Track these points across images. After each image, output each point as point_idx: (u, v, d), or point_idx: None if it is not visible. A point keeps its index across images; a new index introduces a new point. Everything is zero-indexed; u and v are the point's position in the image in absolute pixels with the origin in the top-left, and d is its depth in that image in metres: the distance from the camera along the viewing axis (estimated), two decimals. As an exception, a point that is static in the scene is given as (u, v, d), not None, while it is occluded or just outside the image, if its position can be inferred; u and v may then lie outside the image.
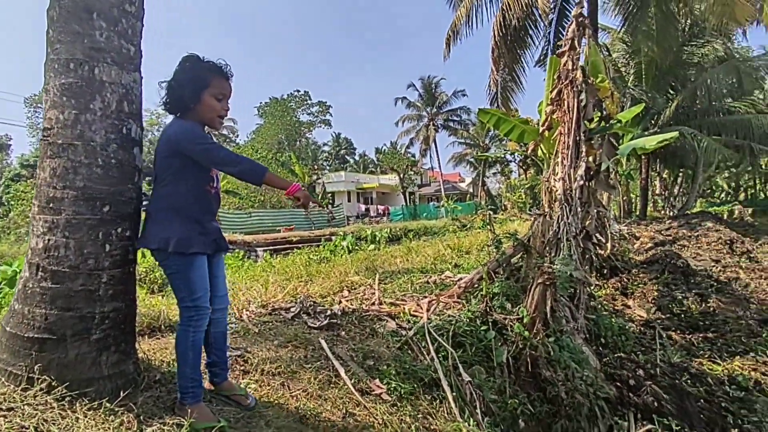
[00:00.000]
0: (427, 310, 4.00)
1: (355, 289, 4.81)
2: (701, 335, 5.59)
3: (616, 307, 6.15)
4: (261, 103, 42.24)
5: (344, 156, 60.51)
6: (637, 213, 17.10)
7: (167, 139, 1.94)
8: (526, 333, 3.76)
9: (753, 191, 30.58)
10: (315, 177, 35.49)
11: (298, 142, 41.64)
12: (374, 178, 45.98)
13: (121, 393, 1.86)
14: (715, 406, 4.24)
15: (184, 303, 1.96)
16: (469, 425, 2.86)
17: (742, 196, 30.62)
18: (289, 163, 28.71)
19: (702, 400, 4.28)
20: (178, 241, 1.89)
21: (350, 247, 9.15)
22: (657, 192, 23.06)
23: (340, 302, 4.18)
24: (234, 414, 2.16)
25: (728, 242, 9.65)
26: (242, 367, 2.62)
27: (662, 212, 19.70)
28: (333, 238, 11.09)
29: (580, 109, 5.20)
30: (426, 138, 41.53)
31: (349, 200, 39.64)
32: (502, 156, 36.74)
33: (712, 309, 6.19)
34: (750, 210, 26.38)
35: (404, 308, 4.08)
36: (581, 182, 5.07)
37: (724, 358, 5.13)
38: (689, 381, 4.42)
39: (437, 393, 3.14)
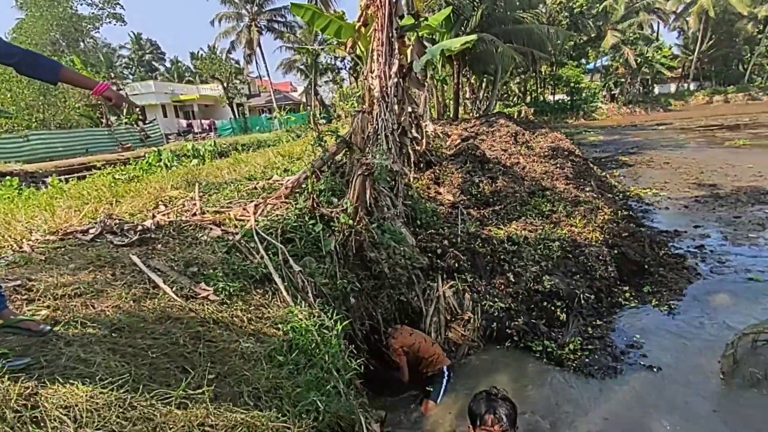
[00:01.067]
0: (254, 213, 3.95)
1: (172, 203, 4.40)
2: (491, 209, 6.91)
3: (430, 194, 7.07)
4: (16, -11, 30.95)
5: (151, 62, 51.04)
6: (451, 114, 19.18)
7: None
8: (351, 222, 4.06)
9: (536, 95, 37.23)
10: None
11: (82, 43, 33.02)
12: (193, 88, 40.15)
13: None
14: (496, 260, 5.44)
15: None
16: (301, 308, 3.08)
17: (528, 99, 37.04)
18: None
19: (488, 257, 5.44)
20: None
21: (168, 163, 8.13)
22: (467, 96, 26.06)
23: (155, 216, 3.79)
24: (22, 342, 1.88)
25: (514, 135, 11.74)
26: (25, 297, 2.23)
27: (471, 114, 22.51)
28: (147, 156, 9.66)
29: (392, 4, 5.28)
30: (249, 41, 37.41)
31: (165, 115, 34.34)
32: (324, 53, 35.42)
33: (499, 188, 7.64)
34: (532, 110, 32.55)
35: (229, 215, 3.94)
36: (395, 80, 5.34)
37: (505, 223, 6.49)
38: (480, 244, 5.52)
39: (270, 286, 3.24)
